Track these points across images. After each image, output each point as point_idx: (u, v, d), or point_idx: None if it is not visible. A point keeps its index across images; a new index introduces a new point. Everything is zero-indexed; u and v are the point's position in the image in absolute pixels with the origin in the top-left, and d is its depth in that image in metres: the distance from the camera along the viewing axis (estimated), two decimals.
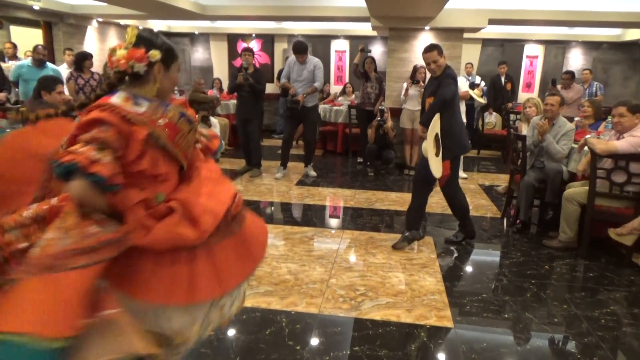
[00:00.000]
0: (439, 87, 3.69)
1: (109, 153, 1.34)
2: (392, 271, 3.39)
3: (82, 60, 5.87)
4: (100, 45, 8.76)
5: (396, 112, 6.67)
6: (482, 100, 8.19)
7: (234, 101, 8.32)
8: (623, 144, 3.53)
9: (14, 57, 6.96)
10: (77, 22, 7.94)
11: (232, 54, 10.73)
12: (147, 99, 1.49)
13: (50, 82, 3.91)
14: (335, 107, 8.04)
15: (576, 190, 3.82)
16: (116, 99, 1.43)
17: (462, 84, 6.36)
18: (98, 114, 1.36)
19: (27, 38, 7.40)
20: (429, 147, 3.54)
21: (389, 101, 6.99)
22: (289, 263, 3.47)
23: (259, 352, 2.38)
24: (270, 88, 9.21)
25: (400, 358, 2.36)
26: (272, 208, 5.02)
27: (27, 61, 6.01)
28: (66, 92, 5.67)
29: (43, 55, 5.92)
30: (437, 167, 3.63)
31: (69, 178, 1.31)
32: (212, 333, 2.52)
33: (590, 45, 9.86)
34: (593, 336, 2.63)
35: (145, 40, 1.49)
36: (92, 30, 8.48)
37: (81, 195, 1.31)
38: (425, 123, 3.68)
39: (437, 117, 3.64)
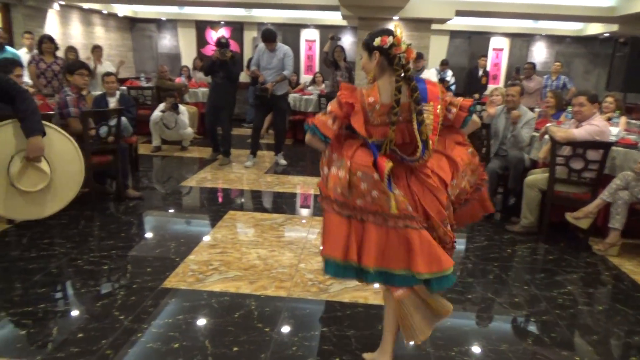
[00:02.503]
0: None
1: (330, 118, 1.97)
2: None
3: (40, 43, 5.70)
4: (62, 30, 8.44)
5: None
6: None
7: (203, 89, 8.22)
8: (581, 132, 3.67)
9: None
10: (37, 4, 7.64)
11: (201, 41, 10.57)
12: None
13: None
14: (305, 97, 8.04)
15: (537, 177, 3.96)
16: None
17: (432, 76, 6.45)
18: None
19: None
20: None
21: None
22: (258, 249, 3.47)
23: (228, 334, 2.38)
24: (241, 77, 9.14)
25: (367, 337, 2.41)
26: (242, 196, 5.00)
27: None
28: (27, 76, 5.50)
29: (2, 38, 5.70)
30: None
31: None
32: (181, 317, 2.52)
33: (554, 39, 10.16)
34: (551, 314, 2.75)
35: None
36: (53, 13, 8.17)
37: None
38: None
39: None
